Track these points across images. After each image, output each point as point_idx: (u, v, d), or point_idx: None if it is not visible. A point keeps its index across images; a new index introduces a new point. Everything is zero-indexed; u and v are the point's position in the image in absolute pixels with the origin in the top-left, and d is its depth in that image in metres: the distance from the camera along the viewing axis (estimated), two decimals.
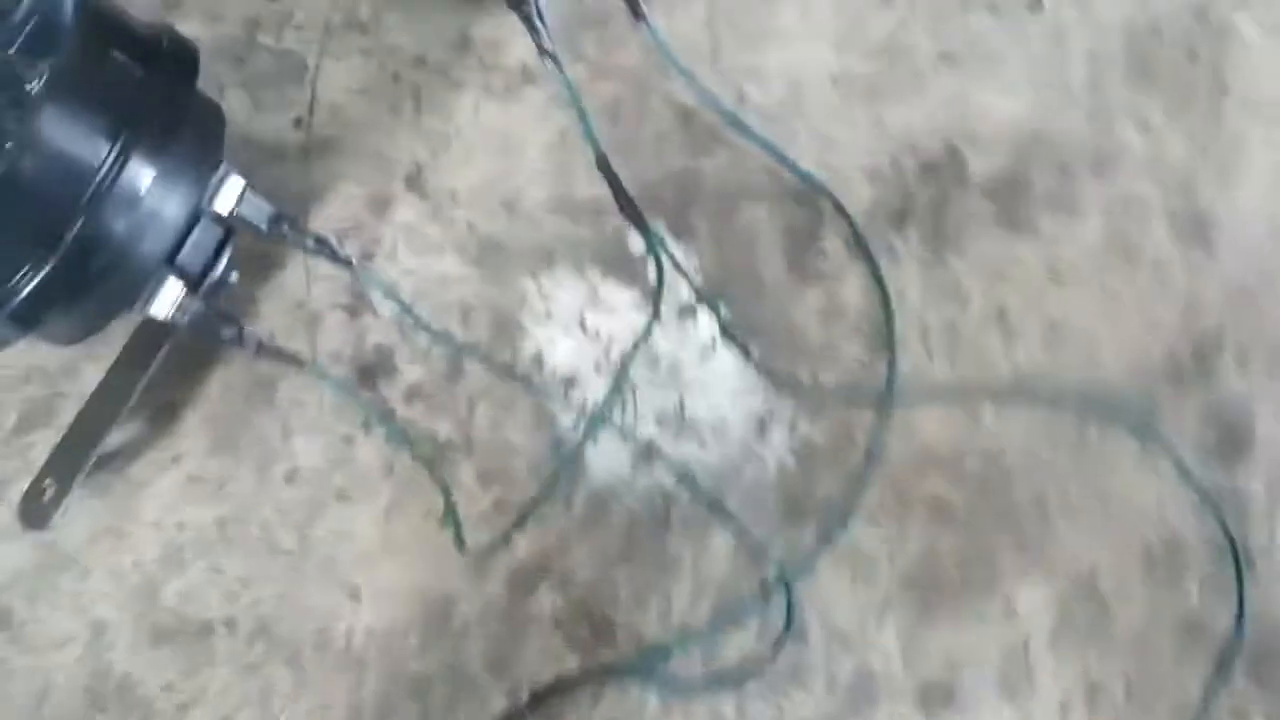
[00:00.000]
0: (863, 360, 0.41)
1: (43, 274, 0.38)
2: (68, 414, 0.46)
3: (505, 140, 0.46)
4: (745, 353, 0.41)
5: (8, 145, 0.38)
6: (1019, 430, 0.40)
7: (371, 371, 0.45)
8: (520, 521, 0.40)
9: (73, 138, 0.38)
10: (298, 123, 0.47)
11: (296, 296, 0.45)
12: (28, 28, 0.40)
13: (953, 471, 0.40)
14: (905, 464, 0.40)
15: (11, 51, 0.39)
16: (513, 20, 0.45)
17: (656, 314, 0.39)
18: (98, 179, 0.38)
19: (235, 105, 0.44)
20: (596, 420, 0.40)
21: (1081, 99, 0.43)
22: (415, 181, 0.46)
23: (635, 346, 0.40)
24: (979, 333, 0.41)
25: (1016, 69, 0.43)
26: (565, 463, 0.41)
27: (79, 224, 0.38)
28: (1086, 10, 0.44)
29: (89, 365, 0.46)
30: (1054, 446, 0.40)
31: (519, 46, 0.47)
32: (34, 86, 0.38)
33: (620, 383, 0.41)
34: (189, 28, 0.48)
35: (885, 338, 0.41)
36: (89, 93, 0.38)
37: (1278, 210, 0.42)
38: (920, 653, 0.39)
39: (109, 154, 0.37)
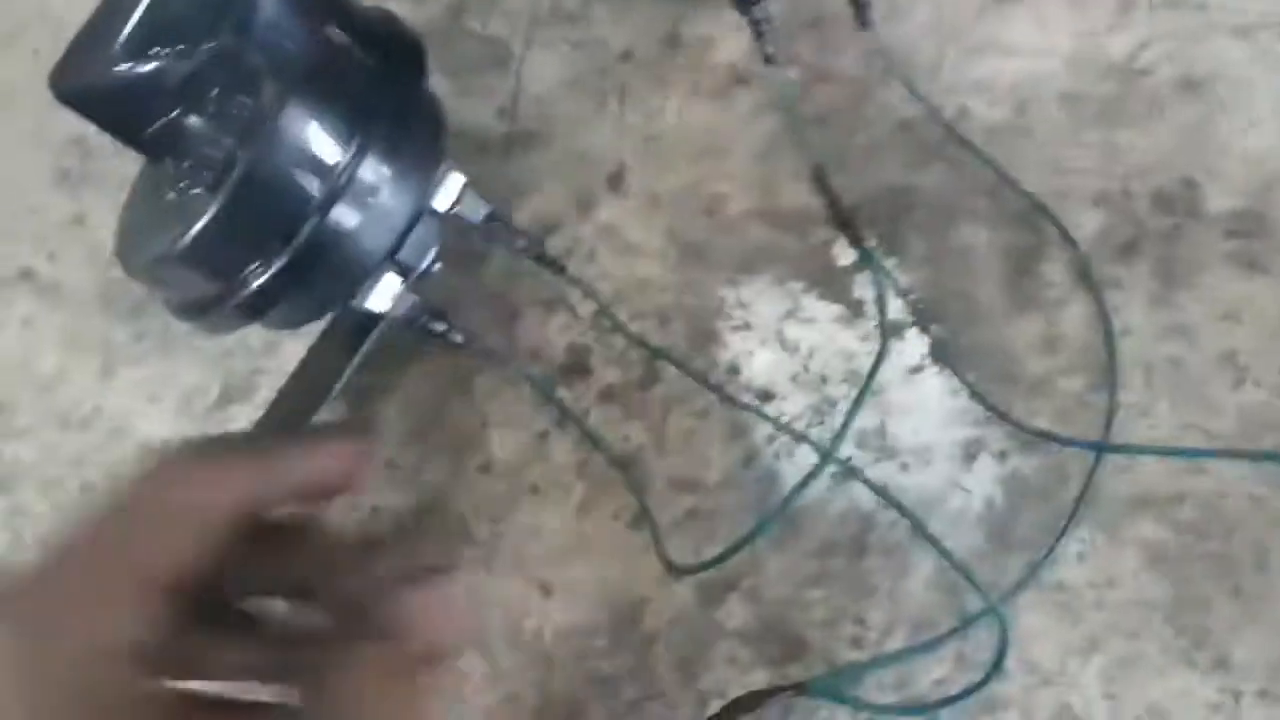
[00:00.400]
0: (1080, 394, 0.42)
1: (273, 269, 0.41)
2: (267, 389, 0.49)
3: (711, 143, 0.48)
4: (958, 377, 0.41)
5: (250, 142, 0.39)
6: (1243, 478, 0.40)
7: (567, 371, 0.47)
8: (726, 557, 0.46)
9: (312, 135, 0.39)
10: (501, 113, 0.49)
11: (496, 291, 0.47)
12: (264, 22, 0.41)
13: (1169, 515, 0.42)
14: (1119, 504, 0.41)
15: (255, 54, 0.41)
16: (725, 18, 0.47)
17: (882, 335, 0.40)
18: (334, 177, 0.39)
19: (439, 91, 0.46)
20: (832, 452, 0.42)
21: None
22: (618, 181, 0.48)
23: (870, 376, 0.40)
24: (1206, 374, 0.42)
25: (1265, 100, 0.44)
26: (774, 511, 0.46)
27: (312, 221, 0.40)
28: None
29: (289, 342, 0.48)
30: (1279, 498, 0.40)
31: (730, 46, 0.49)
32: (273, 85, 0.40)
33: (854, 404, 0.42)
34: (392, 6, 0.49)
35: (1106, 372, 0.41)
36: (330, 90, 0.40)
37: None
38: (1124, 696, 0.40)
39: (346, 152, 0.39)
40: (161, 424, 0.52)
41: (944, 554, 0.44)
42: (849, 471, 0.46)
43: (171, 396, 0.52)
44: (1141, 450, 0.45)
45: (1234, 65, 0.49)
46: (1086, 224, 0.48)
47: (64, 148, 0.55)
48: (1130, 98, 0.49)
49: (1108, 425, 0.46)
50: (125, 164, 0.54)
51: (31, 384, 0.53)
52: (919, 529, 0.45)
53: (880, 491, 0.45)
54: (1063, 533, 0.45)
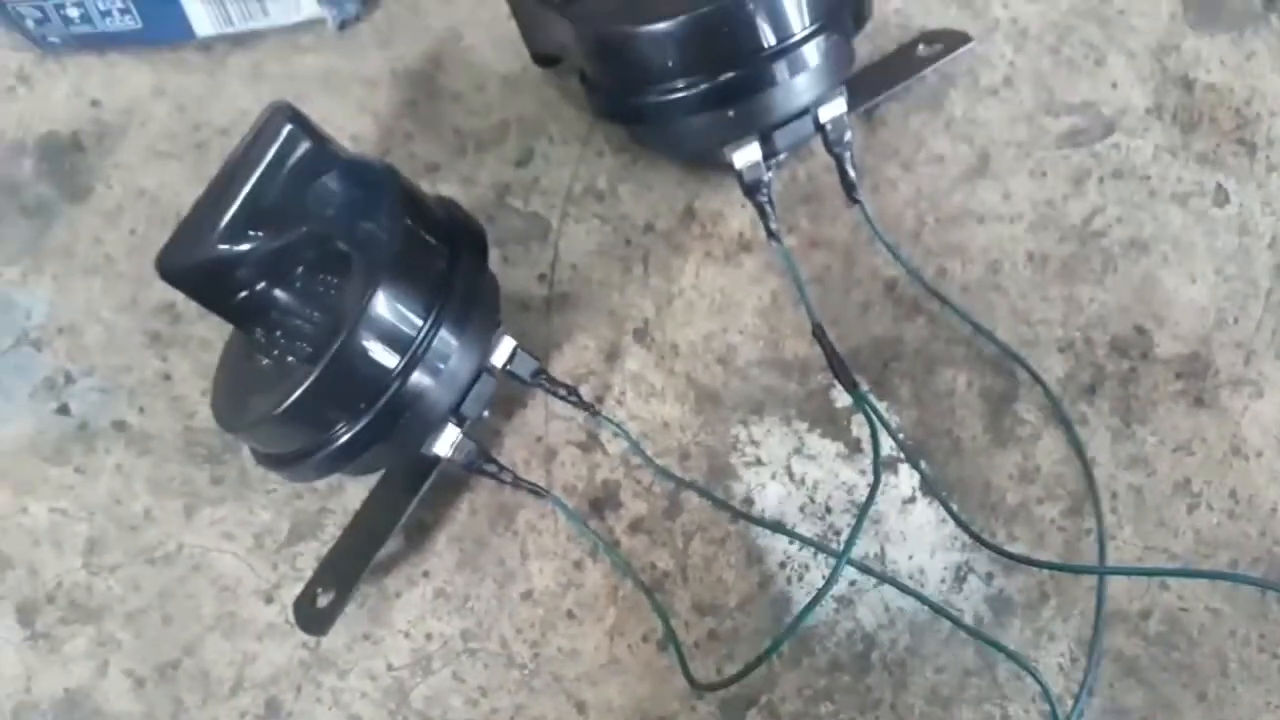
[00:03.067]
0: (1055, 520, 0.52)
1: (357, 428, 0.52)
2: (332, 528, 0.61)
3: (723, 301, 0.60)
4: (946, 508, 0.52)
5: (342, 319, 0.51)
6: (1202, 593, 0.51)
7: (599, 504, 0.58)
8: (746, 673, 0.55)
9: (397, 314, 0.52)
10: (541, 278, 0.61)
11: (536, 433, 0.59)
12: (348, 210, 0.53)
13: (1138, 629, 0.51)
14: (1093, 620, 0.51)
15: (341, 240, 0.53)
16: (733, 195, 0.60)
17: (876, 476, 0.51)
18: (414, 348, 0.51)
19: (489, 259, 0.58)
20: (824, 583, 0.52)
21: (1264, 286, 0.54)
22: (643, 335, 0.60)
23: (861, 514, 0.51)
24: (1165, 500, 0.52)
25: (1202, 257, 0.56)
26: (790, 625, 0.55)
27: (394, 387, 0.51)
28: (1272, 204, 0.58)
29: (352, 484, 0.60)
30: (1235, 610, 0.51)
31: (737, 218, 0.61)
32: (363, 270, 0.52)
33: (848, 539, 0.53)
34: (447, 189, 0.64)
35: (1077, 500, 0.52)
36: (411, 274, 0.53)
37: None
38: None
39: (424, 326, 0.51)
40: (237, 560, 0.63)
41: (991, 643, 0.53)
42: (863, 570, 0.56)
43: (246, 535, 0.63)
44: (1134, 571, 0.56)
45: (1175, 227, 0.62)
46: (1054, 368, 0.60)
47: (155, 313, 0.68)
48: (1087, 256, 0.61)
49: (1101, 549, 0.57)
50: (207, 328, 0.67)
51: (122, 524, 0.65)
52: (952, 619, 0.54)
53: (904, 587, 0.55)
54: (1045, 648, 0.55)
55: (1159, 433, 0.57)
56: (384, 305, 0.51)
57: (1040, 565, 0.55)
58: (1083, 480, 0.56)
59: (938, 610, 0.53)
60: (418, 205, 0.55)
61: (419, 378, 0.52)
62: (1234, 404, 0.57)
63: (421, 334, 0.52)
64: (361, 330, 0.50)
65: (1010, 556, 0.54)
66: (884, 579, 0.55)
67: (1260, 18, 0.67)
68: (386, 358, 0.51)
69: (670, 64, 0.55)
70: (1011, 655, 0.52)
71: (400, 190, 0.55)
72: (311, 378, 0.50)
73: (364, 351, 0.51)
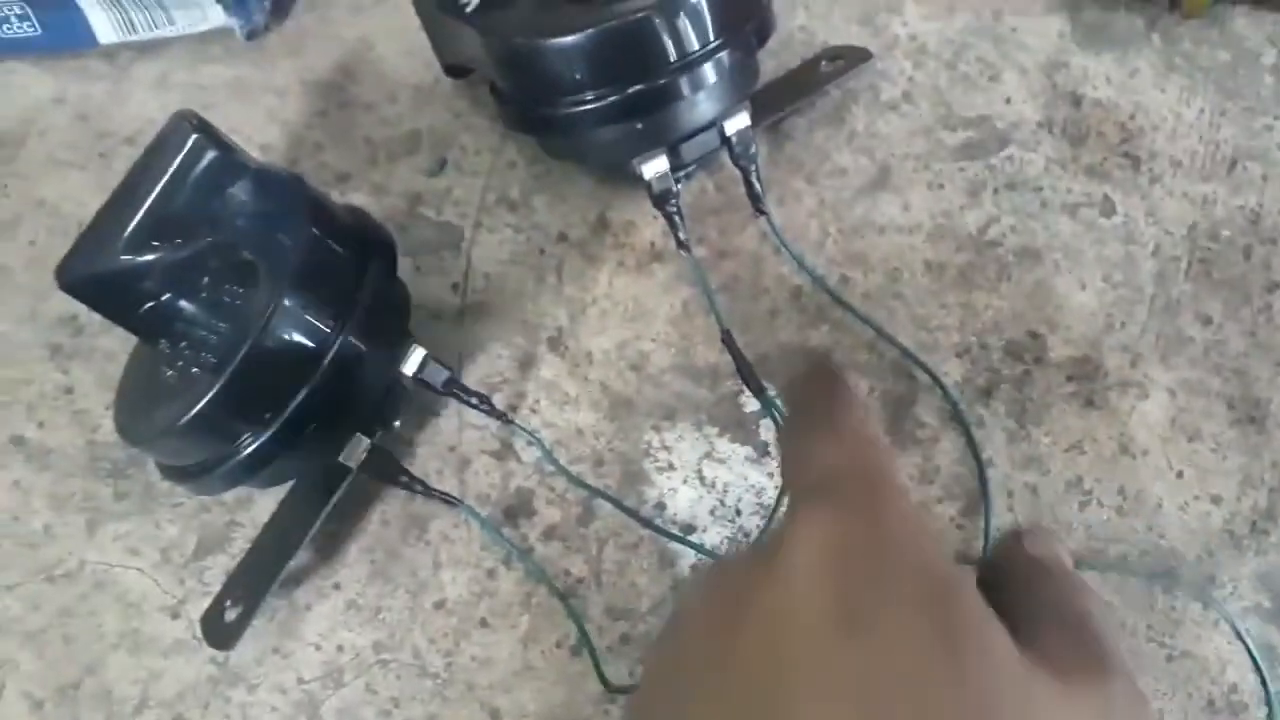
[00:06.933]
0: (955, 518, 0.54)
1: (263, 439, 0.52)
2: (241, 541, 0.60)
3: (635, 310, 0.61)
4: None
5: (247, 329, 0.51)
6: (1094, 587, 0.52)
7: (513, 512, 0.58)
8: None
9: (303, 324, 0.52)
10: (455, 287, 0.62)
11: (449, 442, 0.59)
12: (254, 220, 0.53)
13: None
14: None
15: (247, 249, 0.53)
16: (644, 204, 0.61)
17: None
18: (319, 358, 0.51)
19: (401, 269, 0.59)
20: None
21: (1148, 293, 0.57)
22: (556, 343, 0.60)
23: (769, 519, 0.53)
24: (1058, 498, 0.54)
25: (1091, 265, 0.58)
26: None
27: (300, 396, 0.51)
28: (1154, 214, 0.60)
29: (261, 497, 0.59)
30: (1124, 603, 0.53)
31: (649, 228, 0.62)
32: (268, 279, 0.52)
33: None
34: (358, 199, 0.63)
35: (975, 499, 0.54)
36: (317, 282, 0.52)
37: None
38: None
39: (332, 336, 0.51)
40: (142, 576, 0.62)
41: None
42: None
43: (152, 550, 0.62)
44: None
45: (1065, 236, 0.64)
46: (951, 372, 0.61)
47: (55, 325, 0.66)
48: (982, 265, 0.64)
49: (986, 539, 0.59)
50: (111, 340, 0.65)
51: (20, 542, 0.63)
52: None
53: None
54: None
55: (1052, 433, 0.59)
56: (289, 314, 0.50)
57: None
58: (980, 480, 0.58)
59: None
60: (324, 213, 0.55)
61: (326, 387, 0.52)
62: (1122, 405, 0.60)
63: (328, 343, 0.52)
64: (266, 339, 0.50)
65: None
66: None
67: (1143, 37, 0.70)
68: (292, 367, 0.51)
69: (578, 77, 0.56)
70: None
71: (306, 198, 0.54)
72: (215, 388, 0.50)
73: (269, 360, 0.50)
